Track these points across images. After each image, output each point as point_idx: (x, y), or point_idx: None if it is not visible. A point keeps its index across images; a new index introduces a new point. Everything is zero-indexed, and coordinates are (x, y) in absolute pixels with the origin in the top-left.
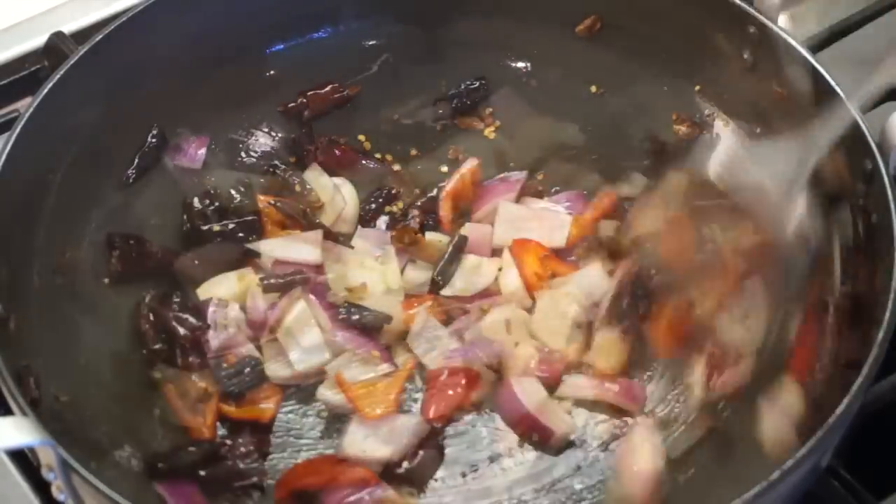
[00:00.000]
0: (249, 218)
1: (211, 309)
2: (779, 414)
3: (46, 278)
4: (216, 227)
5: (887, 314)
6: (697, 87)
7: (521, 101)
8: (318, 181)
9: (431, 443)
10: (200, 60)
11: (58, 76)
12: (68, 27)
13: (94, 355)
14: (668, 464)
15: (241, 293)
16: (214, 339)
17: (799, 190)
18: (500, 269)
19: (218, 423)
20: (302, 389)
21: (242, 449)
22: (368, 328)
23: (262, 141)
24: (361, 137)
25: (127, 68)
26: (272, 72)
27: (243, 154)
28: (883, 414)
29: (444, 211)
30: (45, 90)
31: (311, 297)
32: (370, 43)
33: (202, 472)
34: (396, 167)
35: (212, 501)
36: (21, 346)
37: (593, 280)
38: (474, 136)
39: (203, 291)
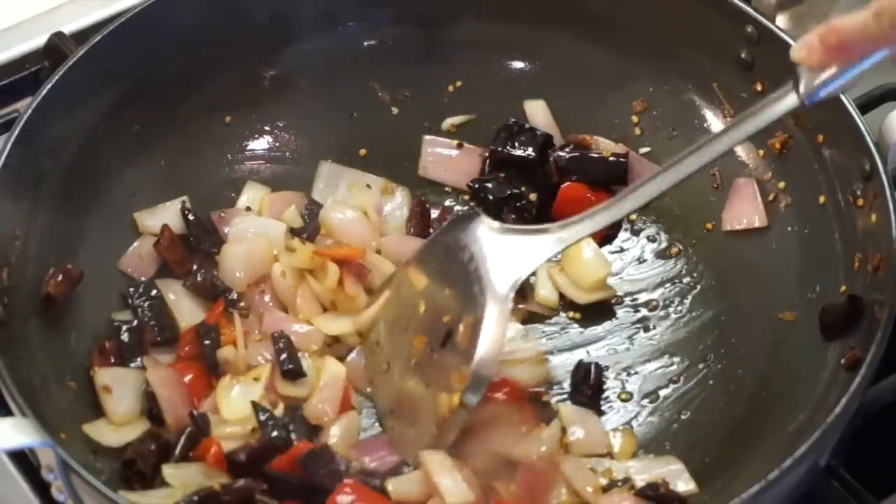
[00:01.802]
0: None
1: None
2: None
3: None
4: None
5: (886, 314)
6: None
7: None
8: None
9: None
10: (200, 61)
11: (58, 76)
12: (68, 27)
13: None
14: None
15: None
16: None
17: None
18: None
19: None
20: None
21: None
22: None
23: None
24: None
25: (126, 69)
26: (271, 72)
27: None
28: (883, 414)
29: None
30: (45, 90)
31: None
32: (369, 43)
33: None
34: None
35: None
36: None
37: None
38: None
39: None
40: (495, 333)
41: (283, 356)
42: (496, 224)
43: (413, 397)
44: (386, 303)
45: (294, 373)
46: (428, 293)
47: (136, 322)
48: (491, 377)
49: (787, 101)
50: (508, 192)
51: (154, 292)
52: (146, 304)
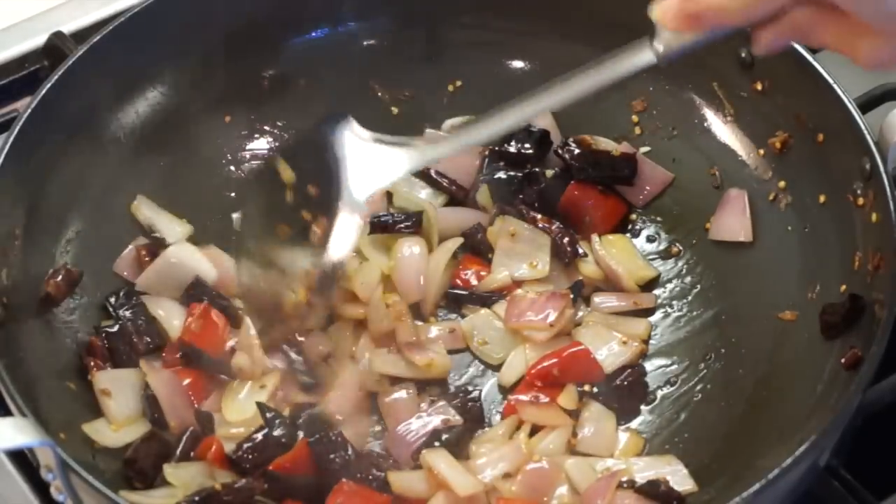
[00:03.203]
0: None
1: None
2: None
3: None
4: None
5: (886, 313)
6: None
7: None
8: None
9: None
10: (198, 61)
11: (57, 76)
12: (68, 27)
13: None
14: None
15: None
16: None
17: None
18: None
19: None
20: None
21: None
22: None
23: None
24: None
25: (126, 69)
26: (271, 72)
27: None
28: (883, 414)
29: None
30: (45, 90)
31: None
32: (369, 43)
33: None
34: None
35: None
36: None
37: None
38: None
39: None
40: (345, 239)
41: (297, 366)
42: (365, 132)
43: (271, 282)
44: (259, 191)
45: (312, 385)
46: (294, 186)
47: (117, 328)
48: (336, 281)
49: (644, 56)
50: (523, 173)
51: (135, 299)
52: (128, 313)
